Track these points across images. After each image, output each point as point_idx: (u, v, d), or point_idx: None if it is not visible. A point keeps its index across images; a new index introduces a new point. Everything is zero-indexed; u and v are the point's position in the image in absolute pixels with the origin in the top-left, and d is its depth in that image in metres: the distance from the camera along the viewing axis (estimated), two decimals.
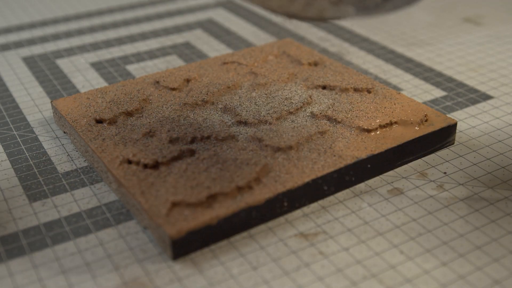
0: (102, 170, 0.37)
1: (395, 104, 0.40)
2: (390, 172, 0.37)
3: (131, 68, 0.52)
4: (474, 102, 0.45)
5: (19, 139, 0.42)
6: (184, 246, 0.31)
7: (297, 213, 0.34)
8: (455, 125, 0.39)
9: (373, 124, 0.38)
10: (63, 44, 0.57)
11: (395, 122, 0.38)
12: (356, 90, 0.43)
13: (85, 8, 0.66)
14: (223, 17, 0.63)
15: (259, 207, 0.33)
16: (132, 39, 0.58)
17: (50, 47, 0.57)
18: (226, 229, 0.32)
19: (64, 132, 0.42)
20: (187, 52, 0.55)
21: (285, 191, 0.33)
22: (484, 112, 0.44)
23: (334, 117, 0.39)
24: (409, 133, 0.38)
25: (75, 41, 0.58)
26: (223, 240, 0.32)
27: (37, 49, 0.56)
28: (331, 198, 0.35)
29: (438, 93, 0.46)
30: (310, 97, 0.42)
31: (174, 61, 0.53)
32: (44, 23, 0.62)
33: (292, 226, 0.33)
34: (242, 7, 0.66)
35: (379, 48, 0.55)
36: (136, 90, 0.43)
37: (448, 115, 0.42)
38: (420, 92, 0.46)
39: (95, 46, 0.57)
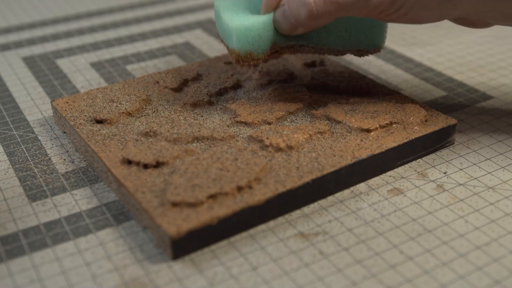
0: (102, 170, 0.37)
1: (395, 104, 0.40)
2: (390, 172, 0.37)
3: (131, 68, 0.52)
4: (474, 102, 0.45)
5: (19, 139, 0.42)
6: (184, 246, 0.31)
7: (297, 213, 0.34)
8: (455, 125, 0.39)
9: (373, 124, 0.38)
10: (63, 44, 0.57)
11: (395, 122, 0.38)
12: (356, 90, 0.43)
13: (85, 8, 0.66)
14: None
15: (259, 207, 0.33)
16: (132, 39, 0.58)
17: (50, 47, 0.57)
18: (226, 229, 0.32)
19: (64, 132, 0.42)
20: (187, 52, 0.55)
21: (285, 191, 0.33)
22: (484, 112, 0.44)
23: (334, 117, 0.39)
24: (409, 133, 0.38)
25: (75, 41, 0.58)
26: (223, 240, 0.32)
27: (37, 49, 0.56)
28: (331, 198, 0.35)
29: (438, 93, 0.46)
30: (310, 97, 0.42)
31: (174, 61, 0.53)
32: (44, 23, 0.62)
33: (292, 226, 0.33)
34: None
35: None
36: (136, 90, 0.43)
37: (448, 115, 0.42)
38: (420, 92, 0.46)
39: (95, 46, 0.57)
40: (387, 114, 0.39)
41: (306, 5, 0.36)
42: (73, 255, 0.32)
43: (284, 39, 0.39)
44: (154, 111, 0.41)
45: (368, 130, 0.38)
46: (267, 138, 0.37)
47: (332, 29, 0.39)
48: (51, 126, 0.43)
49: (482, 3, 0.35)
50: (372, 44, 0.40)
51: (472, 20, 0.38)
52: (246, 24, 0.37)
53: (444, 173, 0.37)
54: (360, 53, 0.41)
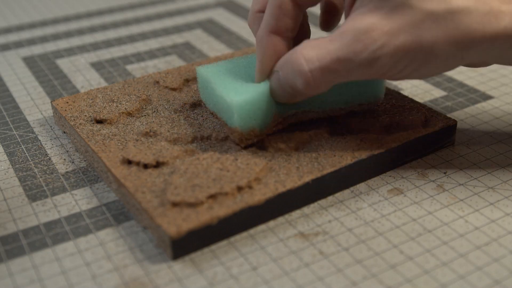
0: (102, 170, 0.37)
1: (395, 104, 0.40)
2: (390, 172, 0.37)
3: (131, 68, 0.52)
4: (474, 102, 0.45)
5: (19, 139, 0.42)
6: (184, 246, 0.31)
7: (297, 213, 0.34)
8: (455, 125, 0.39)
9: (373, 124, 0.38)
10: (63, 44, 0.57)
11: (395, 122, 0.38)
12: None
13: (85, 8, 0.66)
14: (223, 17, 0.63)
15: (259, 207, 0.33)
16: (132, 39, 0.58)
17: (50, 47, 0.57)
18: (226, 229, 0.32)
19: (64, 132, 0.42)
20: (187, 52, 0.55)
21: (285, 191, 0.33)
22: (484, 112, 0.44)
23: (334, 117, 0.39)
24: (409, 133, 0.38)
25: (75, 41, 0.58)
26: (223, 240, 0.32)
27: (37, 49, 0.56)
28: (331, 198, 0.35)
29: (438, 93, 0.46)
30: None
31: (174, 61, 0.53)
32: (44, 23, 0.62)
33: (292, 226, 0.33)
34: (242, 7, 0.66)
35: None
36: (136, 90, 0.43)
37: (448, 115, 0.42)
38: (420, 92, 0.46)
39: (95, 46, 0.57)
40: (387, 114, 0.39)
41: (301, 75, 0.33)
42: (73, 255, 0.32)
43: (285, 108, 0.37)
44: (154, 111, 0.41)
45: (368, 130, 0.38)
46: (267, 138, 0.37)
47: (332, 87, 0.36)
48: (51, 126, 0.43)
49: (491, 52, 0.33)
50: (373, 96, 0.38)
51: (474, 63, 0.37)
52: (246, 98, 0.34)
53: (444, 173, 0.37)
54: (361, 107, 0.38)
